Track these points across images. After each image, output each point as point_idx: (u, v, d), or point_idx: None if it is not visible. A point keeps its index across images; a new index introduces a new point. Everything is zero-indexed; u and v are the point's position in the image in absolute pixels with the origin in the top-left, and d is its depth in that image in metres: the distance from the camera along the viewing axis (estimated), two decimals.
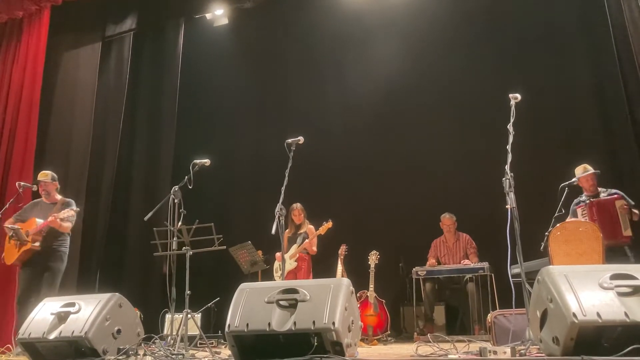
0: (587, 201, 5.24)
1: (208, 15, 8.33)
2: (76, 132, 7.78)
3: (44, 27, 7.97)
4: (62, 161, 7.48)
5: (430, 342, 3.75)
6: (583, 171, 5.38)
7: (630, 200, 5.14)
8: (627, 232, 4.93)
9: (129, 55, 8.12)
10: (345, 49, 8.24)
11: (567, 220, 5.23)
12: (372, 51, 8.05)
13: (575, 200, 5.47)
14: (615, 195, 5.13)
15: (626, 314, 2.58)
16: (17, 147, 7.50)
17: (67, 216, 5.30)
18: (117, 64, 8.23)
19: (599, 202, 5.15)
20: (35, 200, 5.80)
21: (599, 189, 5.37)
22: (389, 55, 7.83)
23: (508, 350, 3.03)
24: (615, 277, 2.77)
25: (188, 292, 4.48)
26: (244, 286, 3.39)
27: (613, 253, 4.81)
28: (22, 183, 5.93)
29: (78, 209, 5.55)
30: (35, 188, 5.71)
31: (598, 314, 2.58)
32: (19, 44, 8.12)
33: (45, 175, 5.67)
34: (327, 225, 6.39)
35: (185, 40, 8.15)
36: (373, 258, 6.47)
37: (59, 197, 5.68)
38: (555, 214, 5.12)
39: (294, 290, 3.18)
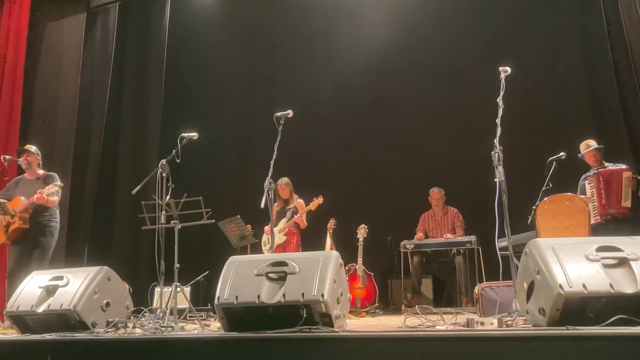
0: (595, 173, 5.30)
1: None
2: (62, 105, 7.67)
3: None
4: (48, 134, 7.40)
5: (418, 313, 3.78)
6: (586, 147, 5.41)
7: (638, 176, 5.18)
8: (627, 204, 5.00)
9: (115, 27, 7.97)
10: (335, 21, 8.13)
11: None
12: (362, 23, 7.96)
13: (583, 176, 5.50)
14: (624, 167, 5.17)
15: (611, 285, 2.62)
16: (1, 120, 7.36)
17: (53, 192, 5.27)
18: (103, 35, 8.08)
19: (607, 171, 5.21)
20: (17, 177, 5.77)
21: (606, 164, 5.37)
22: (379, 27, 7.76)
23: (495, 321, 3.07)
24: (601, 249, 2.81)
25: (177, 265, 4.49)
26: (233, 259, 3.38)
27: (616, 226, 4.88)
28: (7, 156, 5.87)
29: (62, 183, 5.50)
30: (20, 161, 5.67)
31: (584, 285, 2.61)
32: (1, 15, 7.90)
33: (31, 147, 5.71)
34: (318, 201, 6.39)
35: (172, 12, 8.02)
36: (362, 232, 6.50)
37: (40, 171, 5.67)
38: (543, 188, 5.16)
39: (283, 263, 3.17)
